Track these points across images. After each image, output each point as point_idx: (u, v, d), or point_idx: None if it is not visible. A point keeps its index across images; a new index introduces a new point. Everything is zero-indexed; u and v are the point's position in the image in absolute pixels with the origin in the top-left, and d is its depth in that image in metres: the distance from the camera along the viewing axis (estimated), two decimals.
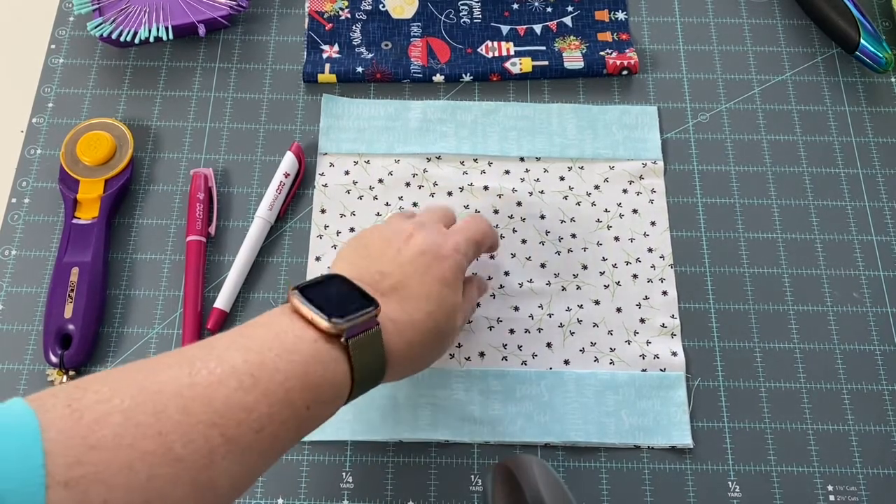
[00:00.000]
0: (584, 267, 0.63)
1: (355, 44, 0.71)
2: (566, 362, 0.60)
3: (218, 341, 0.43)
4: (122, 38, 0.68)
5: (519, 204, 0.65)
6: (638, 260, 0.63)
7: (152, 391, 0.38)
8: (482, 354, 0.60)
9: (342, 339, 0.44)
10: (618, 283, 0.62)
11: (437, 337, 0.51)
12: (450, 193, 0.65)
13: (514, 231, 0.64)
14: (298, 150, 0.65)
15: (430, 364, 0.53)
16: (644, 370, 0.59)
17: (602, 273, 0.63)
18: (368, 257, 0.51)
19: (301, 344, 0.43)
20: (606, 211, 0.65)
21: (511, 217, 0.64)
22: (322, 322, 0.44)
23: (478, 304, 0.61)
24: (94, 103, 0.69)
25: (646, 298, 0.62)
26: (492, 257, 0.63)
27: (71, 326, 0.59)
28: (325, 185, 0.65)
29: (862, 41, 0.68)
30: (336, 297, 0.46)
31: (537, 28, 0.72)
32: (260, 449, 0.41)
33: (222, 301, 0.60)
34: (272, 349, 0.42)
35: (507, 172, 0.66)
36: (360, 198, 0.65)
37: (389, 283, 0.49)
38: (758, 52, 0.72)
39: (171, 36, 0.68)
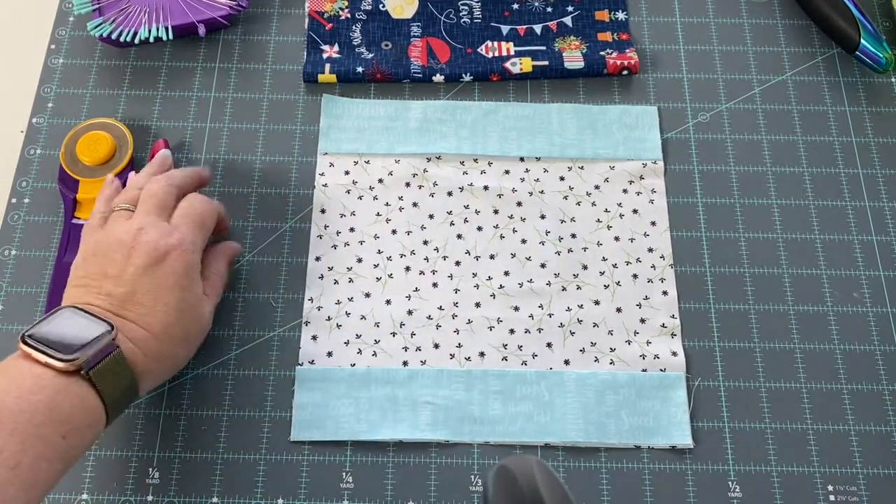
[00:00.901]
0: (585, 267, 0.63)
1: (355, 44, 0.71)
2: (566, 362, 0.60)
3: None
4: (122, 38, 0.68)
5: (519, 204, 0.65)
6: (638, 260, 0.63)
7: None
8: (482, 354, 0.60)
9: (83, 372, 0.46)
10: (618, 283, 0.62)
11: (185, 338, 0.52)
12: (450, 193, 0.65)
13: (514, 231, 0.64)
14: (166, 143, 0.65)
15: (187, 358, 0.54)
16: (644, 370, 0.59)
17: (602, 273, 0.63)
18: (96, 276, 0.52)
19: (42, 381, 0.45)
20: (606, 211, 0.65)
21: (511, 217, 0.64)
22: (56, 363, 0.45)
23: (235, 267, 0.59)
24: (94, 103, 0.68)
25: (646, 298, 0.62)
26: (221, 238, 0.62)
27: None
28: (325, 185, 0.65)
29: (862, 41, 0.68)
30: (70, 328, 0.47)
31: (537, 28, 0.72)
32: (21, 482, 0.42)
33: None
34: (11, 393, 0.44)
35: (507, 172, 0.66)
36: (360, 198, 0.65)
37: (121, 300, 0.50)
38: (758, 52, 0.72)
39: (171, 36, 0.68)
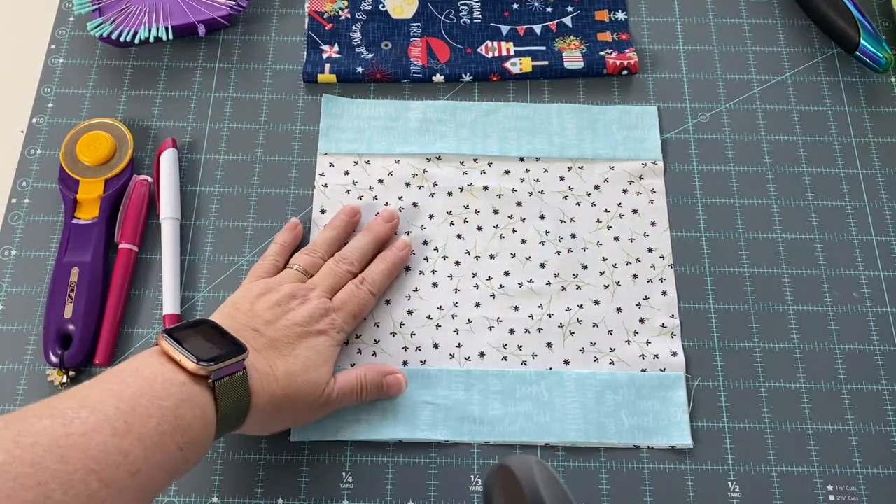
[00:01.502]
0: (584, 267, 0.63)
1: (355, 44, 0.71)
2: (566, 362, 0.60)
3: (89, 390, 0.44)
4: (122, 38, 0.68)
5: (519, 204, 0.65)
6: (638, 260, 0.63)
7: (27, 444, 0.40)
8: (482, 354, 0.60)
9: (209, 381, 0.46)
10: (618, 283, 0.62)
11: (298, 400, 0.53)
12: (449, 193, 0.65)
13: (514, 231, 0.64)
14: (174, 142, 0.65)
15: (288, 421, 0.55)
16: (644, 370, 0.59)
17: (602, 273, 0.63)
18: (248, 315, 0.54)
19: (171, 388, 0.45)
20: (606, 211, 0.65)
21: (511, 217, 0.65)
22: (189, 364, 0.46)
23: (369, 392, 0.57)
24: (94, 103, 0.69)
25: (646, 298, 0.62)
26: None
27: (71, 326, 0.59)
28: (324, 185, 0.65)
29: (862, 41, 0.68)
30: (206, 340, 0.49)
31: (537, 28, 0.72)
32: (136, 489, 0.42)
33: (170, 306, 0.60)
34: (143, 395, 0.44)
35: (507, 172, 0.66)
36: (360, 198, 0.65)
37: (262, 342, 0.53)
38: (758, 52, 0.72)
39: (171, 36, 0.68)
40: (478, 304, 0.62)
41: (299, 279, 0.58)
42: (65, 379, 0.58)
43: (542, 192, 0.65)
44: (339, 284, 0.58)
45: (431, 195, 0.65)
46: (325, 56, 0.70)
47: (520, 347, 0.60)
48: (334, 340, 0.56)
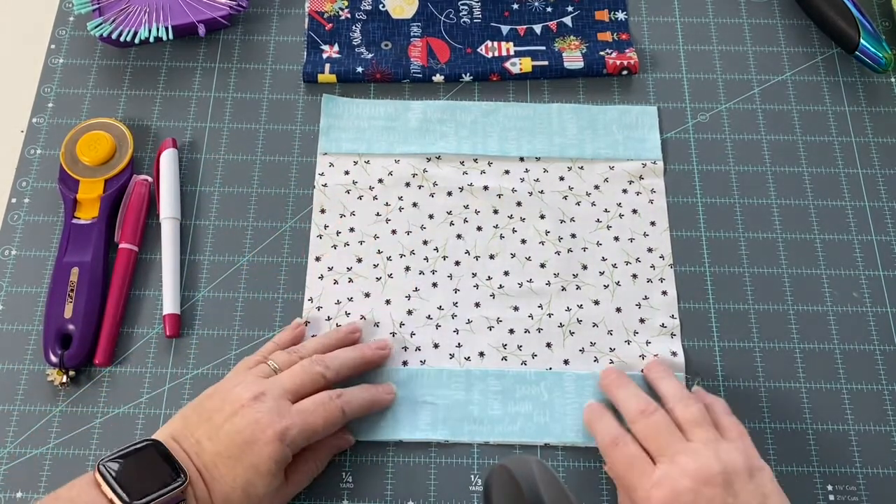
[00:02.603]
0: (584, 267, 0.63)
1: (355, 44, 0.71)
2: (566, 362, 0.60)
3: None
4: (122, 38, 0.68)
5: (519, 204, 0.65)
6: (638, 260, 0.63)
7: None
8: (482, 354, 0.60)
9: None
10: (617, 283, 0.62)
11: None
12: (449, 193, 0.65)
13: (514, 231, 0.64)
14: (174, 142, 0.65)
15: None
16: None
17: (602, 273, 0.63)
18: (200, 417, 0.52)
19: None
20: (606, 211, 0.65)
21: (511, 217, 0.64)
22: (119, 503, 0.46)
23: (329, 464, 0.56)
24: (94, 103, 0.69)
25: (645, 298, 0.62)
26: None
27: (71, 326, 0.59)
28: (324, 185, 0.65)
29: (862, 41, 0.68)
30: (147, 468, 0.48)
31: (537, 28, 0.72)
32: None
33: (170, 306, 0.60)
34: None
35: (507, 172, 0.66)
36: (360, 198, 0.65)
37: (204, 459, 0.50)
38: (758, 52, 0.72)
39: (171, 36, 0.68)
40: (478, 304, 0.62)
41: (267, 375, 0.54)
42: (64, 379, 0.58)
43: (541, 192, 0.65)
44: (306, 385, 0.53)
45: (431, 195, 0.65)
46: (325, 56, 0.70)
47: (520, 347, 0.60)
48: (280, 455, 0.50)
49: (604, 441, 0.53)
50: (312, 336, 0.60)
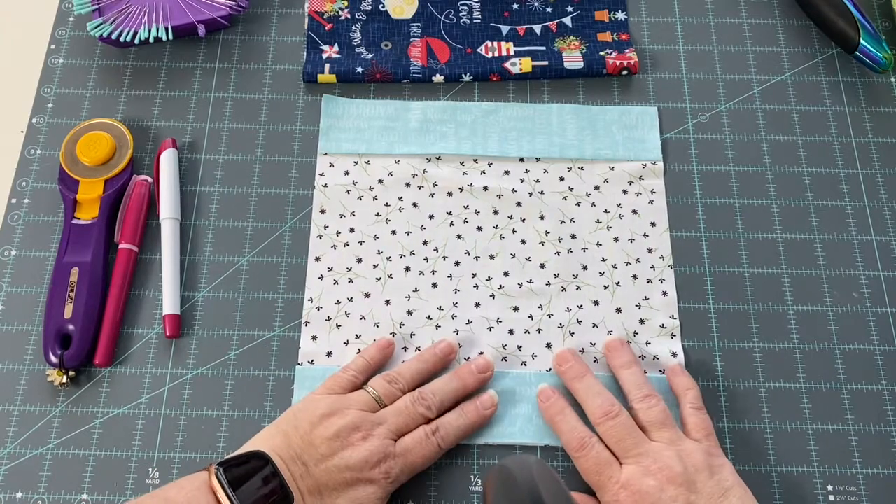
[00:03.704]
0: (584, 267, 0.63)
1: (355, 44, 0.71)
2: None
3: None
4: (122, 39, 0.68)
5: (519, 204, 0.65)
6: (637, 260, 0.63)
7: None
8: (481, 355, 0.60)
9: None
10: (617, 284, 0.62)
11: None
12: (450, 194, 0.65)
13: (514, 231, 0.64)
14: (174, 142, 0.65)
15: None
16: (644, 371, 0.59)
17: (602, 274, 0.63)
18: (304, 441, 0.52)
19: None
20: (606, 211, 0.65)
21: (511, 217, 0.65)
22: None
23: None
24: (94, 103, 0.69)
25: (645, 299, 0.62)
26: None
27: (71, 326, 0.59)
28: (324, 186, 0.65)
29: (862, 41, 0.68)
30: (257, 482, 0.49)
31: (537, 28, 0.72)
32: None
33: (170, 306, 0.60)
34: None
35: (507, 173, 0.66)
36: (360, 198, 0.65)
37: (308, 484, 0.51)
38: (758, 52, 0.72)
39: (170, 36, 0.68)
40: (477, 305, 0.62)
41: (371, 407, 0.54)
42: (64, 379, 0.58)
43: (541, 192, 0.65)
44: (409, 426, 0.54)
45: (431, 195, 0.65)
46: (325, 56, 0.70)
47: (519, 348, 0.60)
48: (383, 491, 0.52)
49: (571, 444, 0.55)
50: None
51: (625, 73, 0.70)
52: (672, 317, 0.61)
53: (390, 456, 0.52)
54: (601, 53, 0.70)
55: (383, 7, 0.73)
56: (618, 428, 0.54)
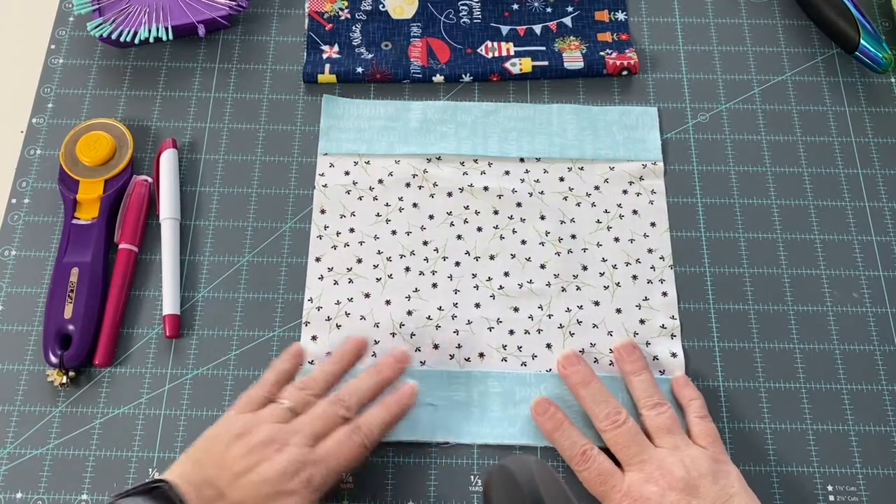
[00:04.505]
0: (584, 268, 0.63)
1: (355, 44, 0.71)
2: None
3: None
4: (122, 39, 0.68)
5: (519, 205, 0.65)
6: (638, 261, 0.63)
7: None
8: (482, 355, 0.60)
9: None
10: (617, 284, 0.62)
11: None
12: (450, 194, 0.65)
13: (514, 232, 0.64)
14: (174, 143, 0.65)
15: None
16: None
17: (602, 274, 0.63)
18: (217, 465, 0.50)
19: None
20: (606, 212, 0.65)
21: (511, 218, 0.64)
22: None
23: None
24: (93, 103, 0.68)
25: (645, 299, 0.62)
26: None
27: (71, 327, 0.59)
28: (325, 186, 0.65)
29: (862, 41, 0.68)
30: None
31: (537, 28, 0.72)
32: None
33: (170, 306, 0.60)
34: None
35: (507, 173, 0.66)
36: (360, 198, 0.65)
37: None
38: (758, 52, 0.72)
39: (170, 36, 0.68)
40: (478, 305, 0.62)
41: (284, 418, 0.52)
42: (64, 379, 0.58)
43: (542, 192, 0.65)
44: (326, 429, 0.52)
45: (431, 196, 0.65)
46: (325, 56, 0.70)
47: (520, 348, 0.60)
48: (306, 501, 0.49)
49: (573, 458, 0.55)
50: (312, 337, 0.60)
51: (625, 73, 0.70)
52: (672, 317, 0.61)
53: (310, 463, 0.50)
54: (601, 54, 0.70)
55: (383, 7, 0.73)
56: (623, 436, 0.54)
